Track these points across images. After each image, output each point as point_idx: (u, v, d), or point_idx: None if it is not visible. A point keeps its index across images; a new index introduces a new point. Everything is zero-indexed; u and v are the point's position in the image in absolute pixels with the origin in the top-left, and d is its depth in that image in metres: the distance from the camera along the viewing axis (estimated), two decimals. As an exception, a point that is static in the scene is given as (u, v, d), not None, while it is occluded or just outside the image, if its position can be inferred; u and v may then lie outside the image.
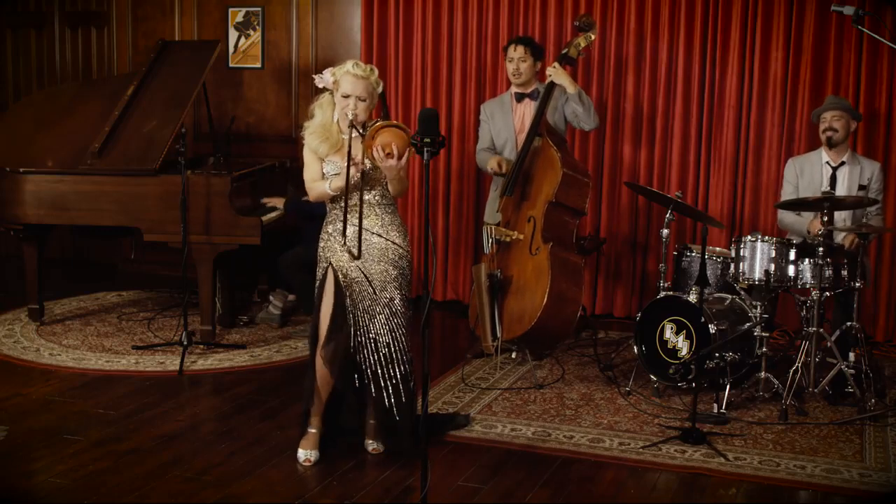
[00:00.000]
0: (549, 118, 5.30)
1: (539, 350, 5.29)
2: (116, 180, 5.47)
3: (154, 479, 3.67)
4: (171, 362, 5.14)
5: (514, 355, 5.27)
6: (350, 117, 3.64)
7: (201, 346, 5.41)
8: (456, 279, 6.65)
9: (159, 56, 6.21)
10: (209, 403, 4.67)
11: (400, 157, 3.53)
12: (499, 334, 5.03)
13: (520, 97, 5.44)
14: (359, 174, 3.64)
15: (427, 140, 3.13)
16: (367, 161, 3.62)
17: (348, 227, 3.72)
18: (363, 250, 3.73)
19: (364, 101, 3.69)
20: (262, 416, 4.40)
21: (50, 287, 6.28)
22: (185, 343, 5.17)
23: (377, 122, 3.64)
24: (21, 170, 5.54)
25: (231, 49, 7.17)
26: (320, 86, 3.79)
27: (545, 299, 4.82)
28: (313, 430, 3.87)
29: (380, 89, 3.77)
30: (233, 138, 6.55)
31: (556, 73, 5.21)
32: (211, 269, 5.45)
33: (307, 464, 3.80)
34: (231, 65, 7.20)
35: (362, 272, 3.76)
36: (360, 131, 3.65)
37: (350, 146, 3.59)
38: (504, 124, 5.46)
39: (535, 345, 5.15)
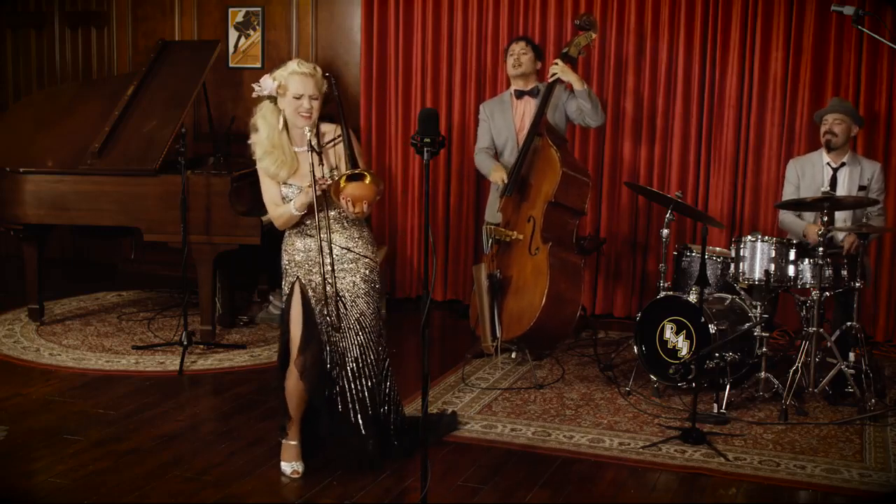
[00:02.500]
0: (549, 117, 5.28)
1: (539, 350, 5.29)
2: (116, 180, 5.47)
3: (154, 479, 3.67)
4: (171, 362, 5.14)
5: (513, 355, 5.27)
6: (305, 120, 3.58)
7: (201, 346, 5.41)
8: (456, 279, 6.65)
9: (159, 56, 6.21)
10: (209, 403, 4.68)
11: (366, 207, 3.54)
12: (498, 334, 5.03)
13: (520, 94, 5.42)
14: (321, 191, 3.57)
15: (427, 140, 3.12)
16: (328, 179, 3.57)
17: (316, 242, 3.67)
18: (333, 263, 3.68)
19: (317, 99, 3.63)
20: (262, 416, 4.40)
21: (50, 287, 6.27)
22: (185, 343, 5.17)
23: (344, 174, 3.52)
24: (21, 170, 5.54)
25: (231, 49, 7.17)
26: (264, 94, 3.68)
27: (543, 300, 4.82)
28: (293, 443, 3.77)
29: (324, 87, 3.69)
30: (233, 138, 6.53)
31: (563, 71, 5.17)
32: (211, 269, 5.45)
33: (295, 476, 3.71)
34: (231, 65, 7.20)
35: (332, 287, 3.70)
36: (317, 149, 3.60)
37: (313, 167, 3.53)
38: (504, 123, 5.44)
39: (534, 345, 5.14)
